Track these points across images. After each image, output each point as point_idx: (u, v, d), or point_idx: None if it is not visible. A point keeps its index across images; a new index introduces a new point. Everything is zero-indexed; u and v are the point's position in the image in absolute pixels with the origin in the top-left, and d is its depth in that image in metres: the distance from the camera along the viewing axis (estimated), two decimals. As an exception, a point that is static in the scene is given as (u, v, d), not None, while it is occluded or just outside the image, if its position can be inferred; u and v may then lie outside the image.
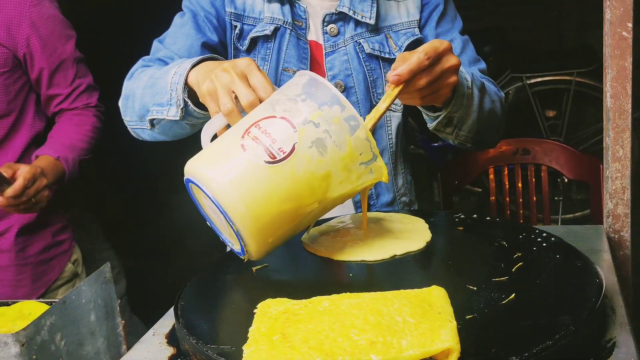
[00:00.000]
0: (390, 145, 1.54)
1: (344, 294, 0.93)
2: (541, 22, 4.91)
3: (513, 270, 1.00)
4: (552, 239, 1.10)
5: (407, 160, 1.63)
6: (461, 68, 1.32)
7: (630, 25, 1.16)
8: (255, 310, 0.92)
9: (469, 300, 0.93)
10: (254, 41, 1.50)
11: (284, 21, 1.48)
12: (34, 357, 1.18)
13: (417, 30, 1.51)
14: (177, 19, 1.54)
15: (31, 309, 1.40)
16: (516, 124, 4.18)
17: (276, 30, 1.49)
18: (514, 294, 0.92)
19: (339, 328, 0.83)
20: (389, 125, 1.53)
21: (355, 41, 1.48)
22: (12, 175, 1.72)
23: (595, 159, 2.22)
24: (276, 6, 1.48)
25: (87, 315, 1.34)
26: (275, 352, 0.81)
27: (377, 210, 1.53)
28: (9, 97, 1.85)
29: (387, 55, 1.49)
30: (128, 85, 1.46)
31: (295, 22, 1.48)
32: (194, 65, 1.25)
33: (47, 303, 1.44)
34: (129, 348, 1.46)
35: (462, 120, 1.32)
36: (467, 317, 0.88)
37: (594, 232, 1.24)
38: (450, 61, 1.17)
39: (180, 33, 1.49)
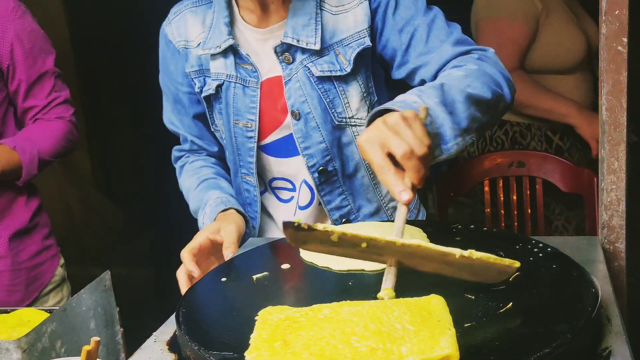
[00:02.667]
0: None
1: (344, 302, 0.94)
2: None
3: (510, 279, 1.02)
4: (549, 249, 1.11)
5: None
6: (430, 114, 1.18)
7: (625, 39, 1.18)
8: (256, 318, 0.93)
9: (468, 308, 0.94)
10: (208, 99, 1.57)
11: (227, 75, 1.51)
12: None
13: (367, 40, 1.45)
14: (164, 92, 1.67)
15: (30, 317, 1.41)
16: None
17: (219, 86, 1.53)
18: (511, 303, 0.94)
19: (339, 335, 0.85)
20: None
21: (304, 66, 1.46)
22: None
23: (589, 171, 2.24)
24: (220, 61, 1.51)
25: (87, 323, 1.35)
26: (276, 358, 0.82)
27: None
28: None
29: (338, 73, 1.46)
30: (180, 183, 1.72)
31: (245, 67, 1.49)
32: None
33: (46, 311, 1.45)
34: (127, 356, 1.47)
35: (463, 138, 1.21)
36: (466, 325, 0.89)
37: (589, 243, 1.25)
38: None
39: (177, 111, 1.66)
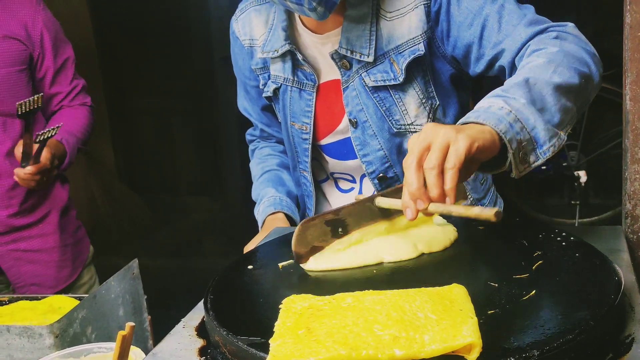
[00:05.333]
0: None
1: (366, 291, 0.96)
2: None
3: (533, 267, 1.02)
4: (572, 238, 1.12)
5: None
6: (487, 104, 1.10)
7: (650, 29, 1.18)
8: (280, 306, 0.94)
9: (491, 296, 0.95)
10: (269, 98, 1.60)
11: (284, 78, 1.52)
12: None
13: (421, 46, 1.39)
14: (237, 79, 1.70)
15: (61, 303, 1.44)
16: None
17: (276, 90, 1.55)
18: (534, 290, 0.95)
19: (362, 323, 0.86)
20: None
21: (359, 75, 1.44)
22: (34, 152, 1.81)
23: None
24: (279, 64, 1.52)
25: (116, 310, 1.38)
26: (300, 345, 0.84)
27: None
28: (27, 93, 1.93)
29: (392, 82, 1.42)
30: (250, 166, 1.78)
31: (302, 69, 1.49)
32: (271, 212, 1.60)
33: (74, 297, 1.48)
34: (155, 343, 1.50)
35: (533, 136, 1.09)
36: (489, 311, 0.90)
37: (612, 232, 1.25)
38: (451, 158, 0.98)
39: (248, 100, 1.70)
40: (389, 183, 1.51)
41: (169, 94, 4.31)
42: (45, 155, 1.80)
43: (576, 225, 4.18)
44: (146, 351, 1.48)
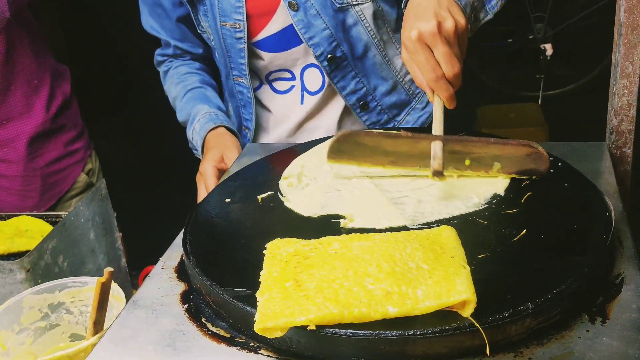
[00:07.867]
0: (374, 37, 1.46)
1: (353, 234, 0.92)
2: None
3: (522, 201, 1.00)
4: (559, 164, 1.09)
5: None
6: None
7: None
8: (264, 252, 0.91)
9: (481, 236, 0.93)
10: (191, 1, 1.47)
11: None
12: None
13: None
14: None
15: (28, 225, 1.39)
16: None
17: None
18: (525, 230, 0.93)
19: (352, 276, 0.83)
20: (363, 19, 1.43)
21: None
22: None
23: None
24: None
25: (87, 234, 1.33)
26: (290, 301, 0.80)
27: (379, 107, 1.50)
28: None
29: None
30: (166, 89, 1.67)
31: None
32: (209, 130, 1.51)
33: (41, 217, 1.43)
34: (127, 260, 1.47)
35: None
36: (480, 256, 0.88)
37: (596, 149, 1.23)
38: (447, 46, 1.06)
39: (156, 15, 1.55)
40: (338, 63, 1.46)
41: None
42: None
43: (539, 99, 4.19)
44: (119, 269, 1.46)
